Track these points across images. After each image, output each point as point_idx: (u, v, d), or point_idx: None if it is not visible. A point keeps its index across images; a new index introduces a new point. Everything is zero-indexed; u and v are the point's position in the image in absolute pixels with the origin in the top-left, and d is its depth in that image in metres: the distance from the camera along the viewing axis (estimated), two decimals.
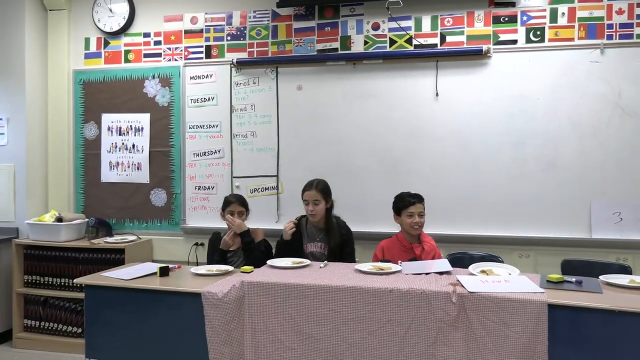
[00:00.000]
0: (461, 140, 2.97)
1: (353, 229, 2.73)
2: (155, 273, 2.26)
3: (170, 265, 2.34)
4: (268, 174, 3.29)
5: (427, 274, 2.03)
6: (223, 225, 2.77)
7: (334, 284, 1.90)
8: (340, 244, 2.55)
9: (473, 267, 2.13)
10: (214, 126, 3.41)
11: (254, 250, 2.55)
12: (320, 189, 2.57)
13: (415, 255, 2.47)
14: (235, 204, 2.71)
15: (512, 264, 2.29)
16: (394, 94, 3.05)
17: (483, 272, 2.05)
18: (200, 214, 3.45)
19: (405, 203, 2.44)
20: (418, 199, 2.47)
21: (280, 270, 2.16)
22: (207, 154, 3.42)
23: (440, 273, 2.03)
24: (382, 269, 2.10)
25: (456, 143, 2.99)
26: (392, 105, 3.07)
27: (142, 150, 3.53)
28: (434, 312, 1.78)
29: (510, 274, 2.02)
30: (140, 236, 3.50)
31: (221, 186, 3.39)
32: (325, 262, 2.31)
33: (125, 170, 3.56)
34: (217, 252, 2.60)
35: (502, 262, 2.47)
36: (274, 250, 2.67)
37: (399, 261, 2.30)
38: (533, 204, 2.87)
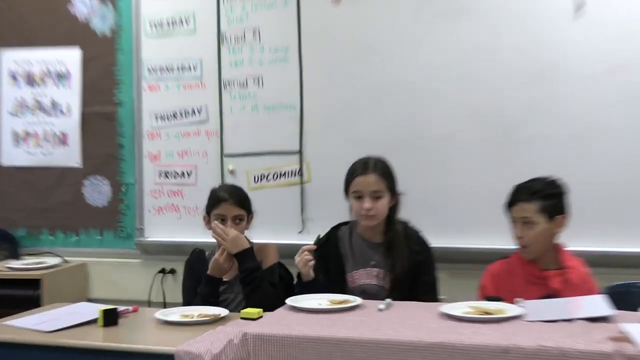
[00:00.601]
0: (629, 84, 2.91)
1: (436, 244, 2.68)
2: (95, 320, 2.23)
3: (120, 308, 2.33)
4: (284, 149, 3.26)
5: (568, 320, 1.97)
6: (208, 237, 2.67)
7: (407, 339, 1.85)
8: (411, 269, 2.52)
9: None
10: (190, 68, 3.39)
11: (259, 281, 2.53)
12: (382, 172, 2.53)
13: (553, 289, 2.37)
14: (228, 204, 2.66)
15: None
16: (503, 9, 3.04)
17: None
18: (169, 219, 3.44)
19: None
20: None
21: (311, 315, 2.13)
22: (179, 116, 3.42)
23: (592, 319, 1.98)
24: (489, 312, 2.05)
25: (619, 90, 2.92)
26: (499, 28, 3.05)
27: (69, 112, 3.58)
28: None
29: None
30: (67, 258, 3.54)
31: (204, 171, 3.38)
32: (388, 300, 2.24)
33: (40, 145, 3.62)
34: (203, 281, 2.57)
35: None
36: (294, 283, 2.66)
37: (518, 299, 2.20)
38: None
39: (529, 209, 2.40)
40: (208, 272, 2.56)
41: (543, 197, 2.41)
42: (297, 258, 2.46)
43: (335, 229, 2.65)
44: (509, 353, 1.77)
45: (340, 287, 2.49)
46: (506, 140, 3.02)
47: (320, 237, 2.55)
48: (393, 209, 2.57)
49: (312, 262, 2.45)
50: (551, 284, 2.40)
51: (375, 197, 2.50)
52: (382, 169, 2.54)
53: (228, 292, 2.65)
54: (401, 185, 2.61)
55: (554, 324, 1.97)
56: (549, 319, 2.01)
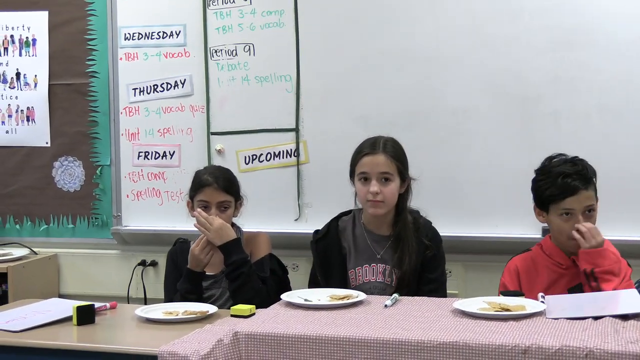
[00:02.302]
0: None
1: (448, 233, 2.73)
2: (69, 318, 2.25)
3: (97, 304, 2.34)
4: (279, 126, 3.26)
5: (597, 318, 1.96)
6: (193, 226, 2.68)
7: (416, 338, 1.85)
8: (420, 264, 2.55)
9: None
10: (172, 34, 3.37)
11: (247, 276, 2.55)
12: (392, 153, 2.55)
13: (582, 281, 2.39)
14: (212, 188, 2.68)
15: None
16: None
17: None
18: (150, 205, 3.44)
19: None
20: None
21: (309, 312, 2.15)
22: (160, 89, 3.41)
23: (624, 317, 1.98)
24: (507, 309, 2.04)
25: None
26: None
27: (36, 85, 3.55)
28: None
29: None
30: (35, 249, 3.56)
31: (188, 151, 3.39)
32: (395, 295, 2.24)
33: (2, 122, 3.62)
34: (183, 276, 2.62)
35: None
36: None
37: (540, 294, 2.19)
38: None
39: (591, 195, 2.41)
40: (188, 266, 2.58)
41: (592, 182, 2.44)
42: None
43: (336, 219, 2.64)
44: (528, 353, 1.76)
45: (341, 285, 2.51)
46: (528, 115, 3.01)
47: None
48: (403, 197, 2.58)
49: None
50: (580, 267, 2.38)
51: (384, 180, 2.50)
52: (392, 150, 2.55)
53: (214, 287, 2.65)
54: (411, 166, 2.60)
55: (580, 322, 1.95)
56: (575, 315, 2.00)
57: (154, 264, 3.40)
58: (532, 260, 2.48)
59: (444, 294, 2.54)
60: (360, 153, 2.55)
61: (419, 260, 2.53)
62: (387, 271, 2.56)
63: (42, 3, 3.50)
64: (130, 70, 3.40)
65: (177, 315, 2.22)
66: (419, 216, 2.59)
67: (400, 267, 2.52)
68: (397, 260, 2.54)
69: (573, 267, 2.41)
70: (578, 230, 2.41)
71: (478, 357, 1.80)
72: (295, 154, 3.23)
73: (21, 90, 3.55)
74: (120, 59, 3.40)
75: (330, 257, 2.57)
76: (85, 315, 2.23)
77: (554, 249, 2.45)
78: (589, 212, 2.41)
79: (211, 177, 2.69)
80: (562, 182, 2.40)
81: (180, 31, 3.33)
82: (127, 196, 3.44)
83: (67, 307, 2.30)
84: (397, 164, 2.52)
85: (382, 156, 2.52)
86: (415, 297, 2.32)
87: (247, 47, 3.26)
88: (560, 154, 2.51)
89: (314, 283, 2.58)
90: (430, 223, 2.60)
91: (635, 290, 2.20)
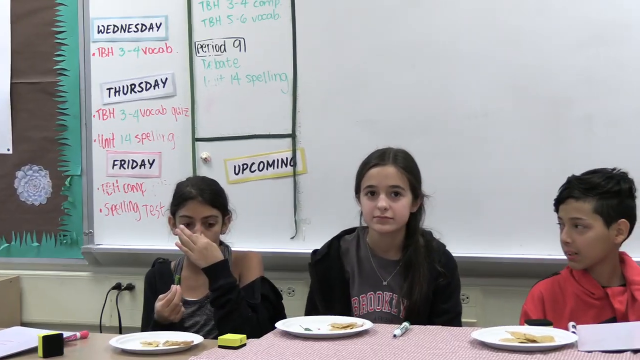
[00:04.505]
0: None
1: (465, 253, 2.81)
2: (34, 350, 2.24)
3: (65, 334, 2.32)
4: (273, 131, 3.31)
5: (636, 352, 1.94)
6: (173, 246, 2.72)
7: None
8: (432, 292, 2.57)
9: None
10: (152, 27, 3.39)
11: (235, 304, 2.56)
12: (404, 165, 2.57)
13: (615, 310, 2.38)
14: (196, 202, 2.72)
15: None
16: None
17: None
18: (126, 220, 3.47)
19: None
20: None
21: (307, 343, 2.14)
22: (137, 88, 3.44)
23: None
24: (533, 340, 2.02)
25: None
26: None
27: None
28: None
29: None
30: None
31: (170, 160, 3.43)
32: (405, 324, 2.25)
33: None
34: (152, 324, 2.61)
35: None
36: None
37: (571, 324, 2.19)
38: None
39: (583, 208, 2.39)
40: (155, 317, 2.59)
41: (601, 195, 2.40)
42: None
43: (337, 238, 2.65)
44: None
45: (343, 314, 2.50)
46: (556, 121, 3.01)
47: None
48: (415, 216, 2.58)
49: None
50: (614, 304, 2.36)
51: (395, 194, 2.49)
52: (404, 162, 2.55)
53: (199, 314, 2.66)
54: (422, 177, 2.59)
55: (617, 356, 1.92)
56: (610, 348, 1.96)
57: (130, 287, 3.42)
58: (559, 286, 2.47)
59: (459, 326, 2.52)
60: (367, 165, 2.56)
61: (430, 289, 2.55)
62: (394, 301, 2.57)
63: None
64: (104, 68, 3.43)
65: (157, 345, 2.22)
66: (432, 238, 2.60)
67: (409, 297, 2.53)
68: (406, 289, 2.55)
69: (605, 299, 2.39)
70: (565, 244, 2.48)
71: None
72: (292, 163, 3.25)
73: None
74: (93, 54, 3.42)
75: (331, 281, 2.59)
76: (53, 346, 2.21)
77: (585, 274, 2.42)
78: (577, 227, 2.40)
79: (195, 189, 2.69)
80: (561, 188, 2.44)
81: (161, 23, 3.36)
82: (100, 210, 3.45)
83: (31, 337, 2.29)
84: (409, 177, 2.53)
85: (393, 168, 2.53)
86: (428, 327, 2.32)
87: (237, 42, 3.29)
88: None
89: (312, 311, 2.59)
90: (444, 246, 2.61)
91: None
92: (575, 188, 2.44)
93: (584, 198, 2.40)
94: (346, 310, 2.58)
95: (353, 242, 2.65)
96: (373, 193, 2.51)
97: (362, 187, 2.56)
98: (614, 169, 2.52)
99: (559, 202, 2.49)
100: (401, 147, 2.66)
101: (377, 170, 2.53)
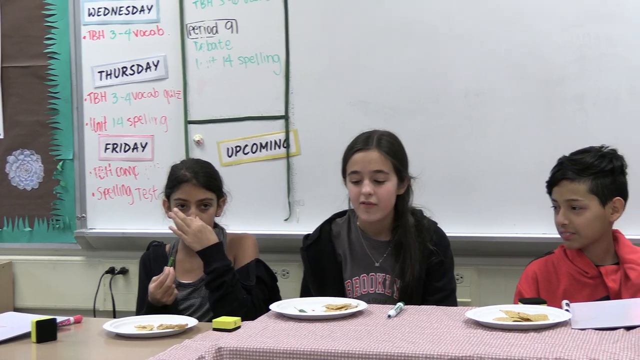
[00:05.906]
0: None
1: (459, 233, 2.81)
2: (27, 335, 2.26)
3: (59, 319, 2.34)
4: (266, 113, 3.32)
5: (629, 328, 1.96)
6: (167, 229, 2.73)
7: (424, 352, 1.85)
8: (425, 272, 2.59)
9: None
10: (142, 9, 3.41)
11: (230, 287, 2.58)
12: (387, 149, 2.59)
13: (609, 289, 2.42)
14: (190, 185, 2.73)
15: None
16: None
17: None
18: (118, 204, 3.49)
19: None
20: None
21: (302, 324, 2.15)
22: (129, 71, 3.45)
23: None
24: (527, 318, 2.06)
25: None
26: None
27: None
28: None
29: None
30: None
31: (162, 143, 3.45)
32: (400, 304, 2.29)
33: None
34: (146, 307, 2.64)
35: None
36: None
37: (565, 302, 2.20)
38: None
39: (578, 189, 2.41)
40: (148, 299, 2.61)
41: (595, 174, 2.42)
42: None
43: (329, 222, 2.68)
44: None
45: (336, 291, 2.53)
46: (549, 99, 3.02)
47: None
48: (402, 198, 2.61)
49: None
50: (607, 283, 2.38)
51: (378, 180, 2.53)
52: (387, 145, 2.57)
53: (193, 296, 2.67)
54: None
55: (609, 333, 1.94)
56: (603, 326, 1.99)
57: (124, 271, 3.43)
58: (553, 265, 2.49)
59: (454, 304, 2.56)
60: (351, 149, 2.58)
61: (423, 268, 2.56)
62: (387, 282, 2.58)
63: None
64: (96, 51, 3.42)
65: (151, 329, 2.23)
66: (422, 217, 2.62)
67: (402, 278, 2.54)
68: (399, 270, 2.56)
69: (599, 277, 2.41)
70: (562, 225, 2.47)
71: None
72: (285, 145, 3.26)
73: None
74: (84, 37, 3.42)
75: (324, 265, 2.60)
76: (46, 332, 2.23)
77: (579, 253, 2.44)
78: (574, 209, 2.41)
79: (190, 172, 2.70)
80: (553, 170, 2.45)
81: (152, 5, 3.35)
82: (93, 194, 3.46)
83: (24, 323, 2.30)
84: (392, 161, 2.54)
85: (376, 152, 2.54)
86: (423, 306, 2.34)
87: (229, 24, 3.29)
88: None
89: (306, 294, 2.59)
90: (436, 224, 2.62)
91: None
92: (569, 169, 2.45)
93: (579, 179, 2.42)
94: (340, 293, 2.58)
95: (344, 225, 2.66)
96: (358, 179, 2.55)
97: (347, 172, 2.59)
98: (601, 147, 2.52)
99: (552, 185, 2.51)
100: (389, 129, 2.66)
101: (361, 155, 2.56)
